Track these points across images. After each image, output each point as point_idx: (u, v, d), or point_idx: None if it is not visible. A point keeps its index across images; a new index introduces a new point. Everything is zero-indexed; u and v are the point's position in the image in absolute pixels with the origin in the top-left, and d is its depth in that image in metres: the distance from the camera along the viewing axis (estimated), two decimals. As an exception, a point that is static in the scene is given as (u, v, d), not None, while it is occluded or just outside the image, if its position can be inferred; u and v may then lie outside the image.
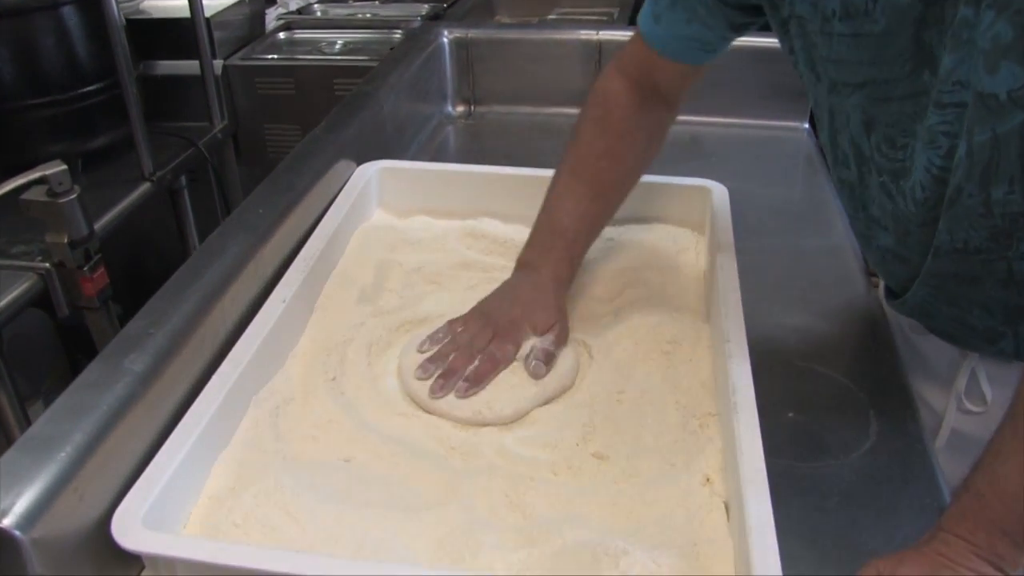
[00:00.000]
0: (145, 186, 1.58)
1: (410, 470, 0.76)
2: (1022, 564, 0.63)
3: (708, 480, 0.73)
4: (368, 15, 2.02)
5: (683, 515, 0.69)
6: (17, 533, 0.56)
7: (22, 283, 1.31)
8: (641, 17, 0.94)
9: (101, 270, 1.36)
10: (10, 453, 0.61)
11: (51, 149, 1.55)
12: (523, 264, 0.97)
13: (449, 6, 2.07)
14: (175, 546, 0.63)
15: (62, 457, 0.62)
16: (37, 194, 1.27)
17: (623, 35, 1.59)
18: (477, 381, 0.85)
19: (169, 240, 1.84)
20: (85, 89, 1.59)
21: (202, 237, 1.84)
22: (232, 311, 0.84)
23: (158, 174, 1.59)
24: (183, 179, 1.75)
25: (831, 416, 0.86)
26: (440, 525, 0.69)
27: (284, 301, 0.87)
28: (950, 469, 0.82)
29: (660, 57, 0.92)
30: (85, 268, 1.33)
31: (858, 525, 0.74)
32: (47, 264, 1.32)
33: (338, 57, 1.85)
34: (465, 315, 0.93)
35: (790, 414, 0.86)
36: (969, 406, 0.91)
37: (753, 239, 1.00)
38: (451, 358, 0.87)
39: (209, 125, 1.78)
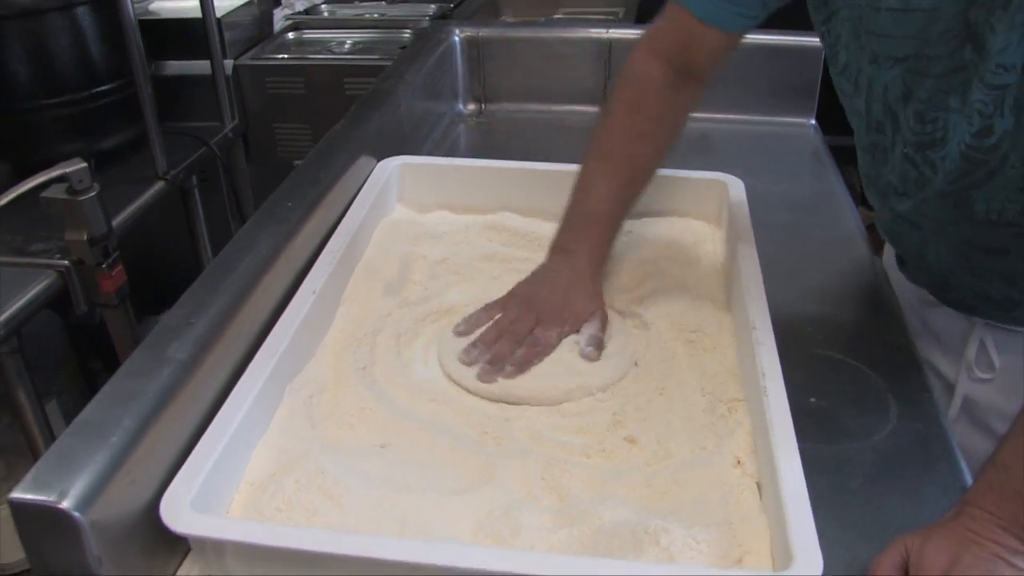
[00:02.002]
0: (159, 185, 1.59)
1: (446, 454, 0.77)
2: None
3: (739, 462, 0.74)
4: (376, 15, 2.04)
5: (717, 495, 0.71)
6: (77, 514, 0.58)
7: (42, 280, 1.32)
8: None
9: (119, 267, 1.37)
10: (64, 438, 0.63)
11: (65, 148, 1.56)
12: (558, 248, 0.99)
13: (456, 6, 2.08)
14: (226, 529, 0.64)
15: (114, 442, 0.63)
16: (57, 192, 1.28)
17: (632, 33, 1.62)
18: (523, 367, 0.86)
19: (179, 239, 1.86)
20: (98, 89, 1.61)
21: (212, 236, 1.86)
22: (266, 302, 0.86)
23: (172, 173, 1.60)
24: (194, 178, 1.76)
25: (852, 401, 0.88)
26: (479, 507, 0.71)
27: (314, 292, 0.89)
28: (964, 435, 0.85)
29: (700, 24, 0.93)
30: (104, 265, 1.34)
31: (884, 504, 0.75)
32: (66, 261, 1.34)
33: (348, 56, 1.86)
34: (503, 299, 0.94)
35: (812, 399, 0.88)
36: (979, 374, 0.95)
37: (765, 232, 1.02)
38: (498, 344, 0.89)
39: (220, 124, 1.79)
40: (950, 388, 0.98)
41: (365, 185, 1.12)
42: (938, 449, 0.81)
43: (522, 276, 1.00)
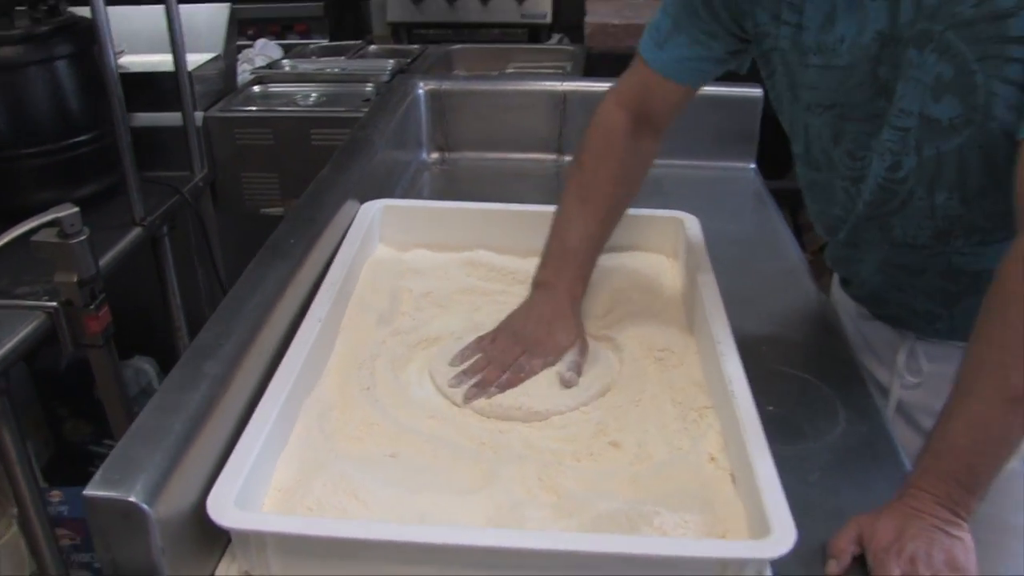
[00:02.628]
0: (136, 231, 1.65)
1: (450, 461, 0.86)
2: (973, 507, 0.76)
3: (712, 458, 0.85)
4: (336, 70, 2.14)
5: (696, 486, 0.81)
6: (145, 507, 0.65)
7: (31, 322, 1.37)
8: (643, 48, 1.08)
9: (105, 308, 1.42)
10: (125, 440, 0.70)
11: (41, 196, 1.60)
12: (540, 284, 1.09)
13: (412, 61, 2.20)
14: (269, 523, 0.72)
15: (168, 446, 0.70)
16: (47, 236, 1.34)
17: (585, 86, 1.75)
18: (506, 389, 0.96)
19: (147, 284, 1.90)
20: (75, 139, 1.66)
21: (181, 281, 1.91)
22: (279, 326, 0.94)
23: (148, 219, 1.67)
24: (164, 226, 1.82)
25: (805, 408, 0.99)
26: (487, 504, 0.79)
27: (320, 321, 0.97)
28: (900, 432, 0.98)
29: (663, 80, 1.06)
30: (91, 307, 1.39)
31: (838, 493, 0.87)
32: (55, 303, 1.39)
33: (314, 109, 1.95)
34: (494, 331, 1.04)
35: (770, 408, 0.98)
36: (909, 379, 1.08)
37: (716, 264, 1.13)
38: (486, 370, 0.98)
39: (190, 174, 1.86)
40: (886, 392, 1.10)
41: (352, 226, 1.21)
42: (882, 446, 0.93)
43: (499, 307, 1.10)
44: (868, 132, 0.92)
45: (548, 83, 1.77)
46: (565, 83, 1.76)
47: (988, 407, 0.74)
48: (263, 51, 2.35)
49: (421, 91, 1.75)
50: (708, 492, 0.80)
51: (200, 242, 1.89)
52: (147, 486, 0.66)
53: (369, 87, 2.01)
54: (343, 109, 1.90)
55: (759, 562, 0.71)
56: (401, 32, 3.56)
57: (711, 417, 0.91)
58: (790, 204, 1.54)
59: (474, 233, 1.27)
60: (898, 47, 0.85)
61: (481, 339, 1.04)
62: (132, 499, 0.65)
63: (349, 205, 1.24)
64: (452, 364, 1.01)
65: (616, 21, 2.07)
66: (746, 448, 0.78)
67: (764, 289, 1.25)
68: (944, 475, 0.76)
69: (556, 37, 3.28)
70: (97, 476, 0.66)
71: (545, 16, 3.48)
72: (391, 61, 2.15)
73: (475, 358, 1.01)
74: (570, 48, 2.36)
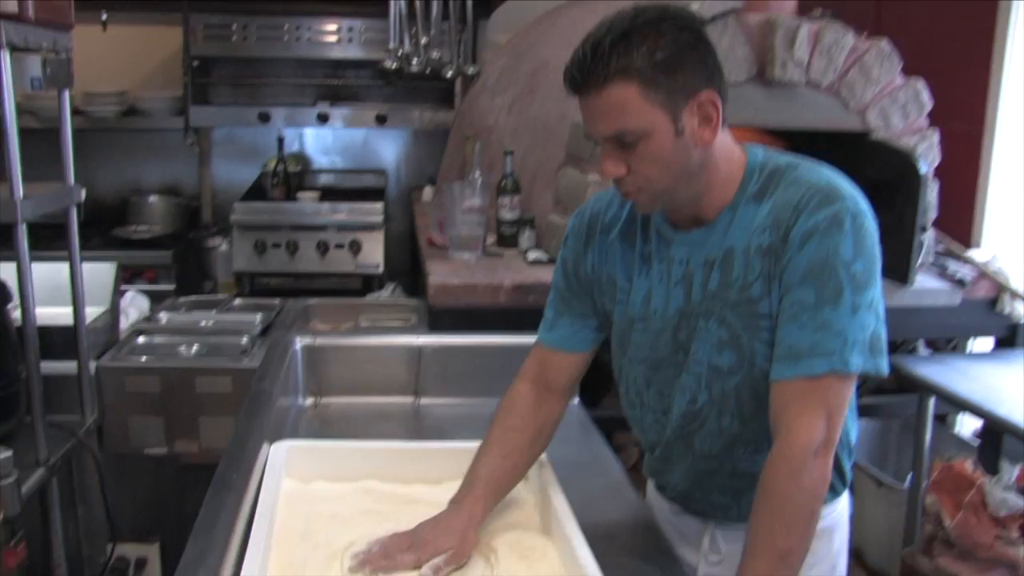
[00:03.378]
0: (40, 471, 1.82)
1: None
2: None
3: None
4: (210, 323, 2.42)
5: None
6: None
7: (-47, 559, 1.51)
8: (539, 334, 1.49)
9: (23, 543, 1.58)
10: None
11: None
12: (452, 501, 1.39)
13: (277, 314, 2.52)
14: None
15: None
16: (-25, 478, 1.52)
17: (437, 340, 2.13)
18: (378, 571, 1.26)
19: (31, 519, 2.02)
20: (-18, 390, 1.85)
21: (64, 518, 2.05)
22: (236, 543, 1.19)
23: (51, 460, 1.84)
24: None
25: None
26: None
27: (264, 538, 1.23)
28: None
29: (558, 352, 1.45)
30: (11, 543, 1.56)
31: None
32: (-22, 540, 1.54)
33: (199, 359, 2.22)
34: (405, 531, 1.33)
35: (611, 590, 1.31)
36: (712, 558, 1.46)
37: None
38: (373, 556, 1.28)
39: (80, 418, 2.05)
40: (695, 571, 1.46)
41: (268, 463, 1.48)
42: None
43: (396, 526, 1.39)
44: (672, 377, 1.35)
45: (406, 337, 2.13)
46: (420, 338, 2.13)
47: (766, 563, 1.12)
48: (134, 303, 2.59)
49: (298, 346, 2.06)
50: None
51: (89, 481, 2.05)
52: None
53: (244, 339, 2.30)
54: (226, 359, 2.18)
55: None
56: (245, 280, 3.89)
57: None
58: (607, 429, 1.98)
59: (366, 466, 1.57)
60: (692, 318, 1.30)
61: (393, 535, 1.33)
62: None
63: (264, 447, 1.52)
64: (359, 555, 1.30)
65: (455, 282, 2.49)
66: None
67: (597, 499, 1.60)
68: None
69: (390, 286, 3.70)
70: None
71: (378, 267, 3.92)
72: (259, 315, 2.46)
73: (374, 548, 1.30)
74: (413, 303, 2.76)
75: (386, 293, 3.57)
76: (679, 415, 1.36)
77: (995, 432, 2.48)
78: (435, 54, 3.60)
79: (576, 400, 2.12)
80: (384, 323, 2.59)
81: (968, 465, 2.33)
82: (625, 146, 1.23)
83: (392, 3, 3.50)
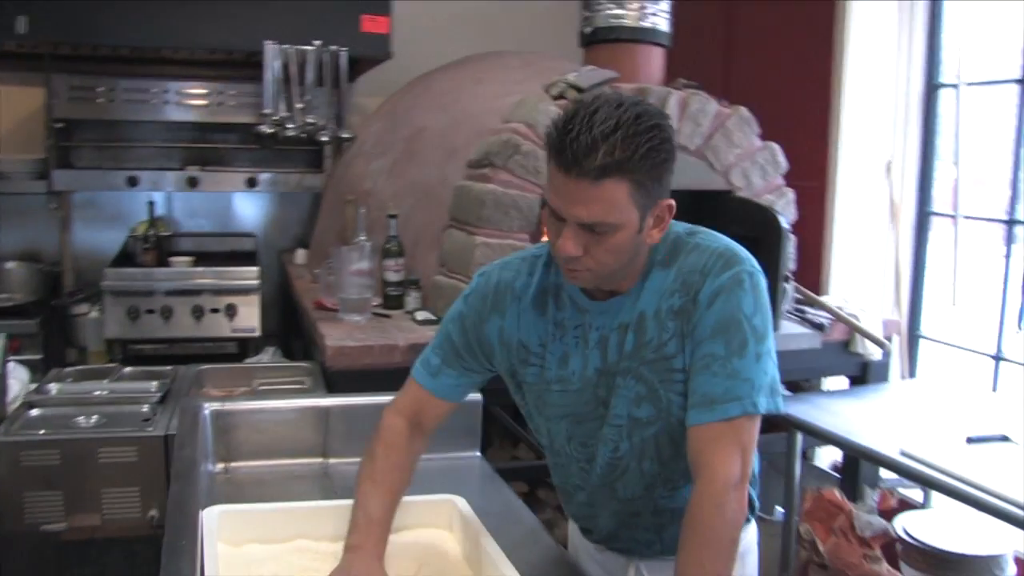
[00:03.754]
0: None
1: None
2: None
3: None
4: (106, 392, 2.40)
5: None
6: None
7: None
8: (418, 376, 1.59)
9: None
10: None
11: None
12: (350, 547, 1.45)
13: (172, 382, 2.51)
14: None
15: None
16: None
17: (343, 401, 2.20)
18: None
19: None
20: None
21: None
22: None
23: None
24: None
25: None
26: None
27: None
28: None
29: (436, 399, 1.56)
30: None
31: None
32: None
33: (101, 430, 2.19)
34: None
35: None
36: None
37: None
38: None
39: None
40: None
41: (204, 530, 1.52)
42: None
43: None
44: (594, 430, 1.49)
45: (312, 399, 2.19)
46: (327, 399, 2.20)
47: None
48: (14, 374, 2.53)
49: (207, 412, 2.09)
50: None
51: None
52: None
53: (145, 407, 2.29)
54: (129, 428, 2.17)
55: None
56: (116, 347, 3.80)
57: None
58: (514, 480, 2.09)
59: (296, 527, 1.62)
60: (610, 376, 1.44)
61: None
62: None
63: (199, 513, 1.56)
64: None
65: (351, 344, 2.56)
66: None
67: (519, 546, 1.71)
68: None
69: (269, 350, 3.71)
70: None
71: (254, 330, 3.92)
72: (154, 382, 2.46)
73: None
74: (306, 365, 2.80)
75: (266, 356, 3.58)
76: (603, 463, 1.50)
77: (854, 460, 2.75)
78: (311, 119, 3.69)
79: (477, 453, 2.23)
80: (278, 386, 2.62)
81: (836, 493, 2.58)
82: (590, 232, 1.32)
83: (267, 68, 3.57)
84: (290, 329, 4.03)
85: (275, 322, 4.28)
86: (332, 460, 2.17)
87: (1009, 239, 3.38)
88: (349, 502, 1.67)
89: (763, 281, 1.41)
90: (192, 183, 4.15)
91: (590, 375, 1.46)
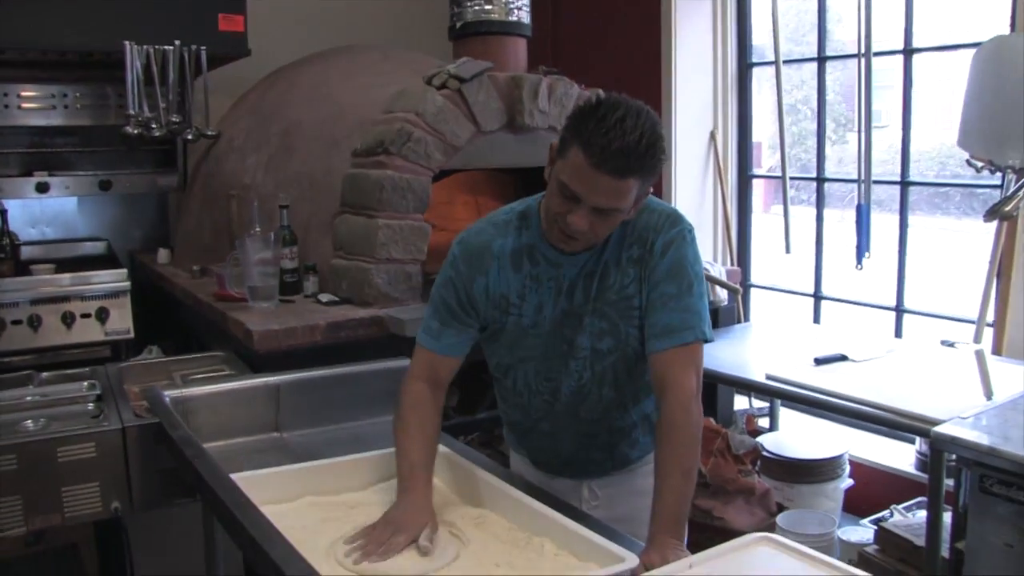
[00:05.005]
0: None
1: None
2: (682, 535, 1.55)
3: (556, 555, 1.52)
4: (38, 397, 2.42)
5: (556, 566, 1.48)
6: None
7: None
8: (423, 341, 1.81)
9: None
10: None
11: None
12: (403, 491, 1.67)
13: (99, 381, 2.56)
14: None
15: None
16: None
17: (291, 377, 2.35)
18: (384, 556, 1.53)
19: None
20: None
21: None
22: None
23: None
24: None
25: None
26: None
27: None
28: None
29: (444, 357, 1.79)
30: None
31: None
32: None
33: (57, 431, 2.22)
34: (378, 522, 1.61)
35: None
36: (592, 503, 1.90)
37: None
38: (368, 546, 1.55)
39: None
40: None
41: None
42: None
43: (357, 527, 1.64)
44: (559, 365, 1.77)
45: (263, 379, 2.34)
46: (276, 377, 2.35)
47: (676, 479, 1.56)
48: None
49: (168, 399, 2.20)
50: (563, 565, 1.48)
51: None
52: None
53: (91, 406, 2.35)
54: (85, 425, 2.22)
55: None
56: (-18, 362, 3.67)
57: (536, 544, 1.57)
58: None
59: (300, 486, 1.80)
60: (576, 316, 1.73)
61: (369, 526, 1.61)
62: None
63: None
64: (347, 543, 1.57)
65: (276, 327, 2.70)
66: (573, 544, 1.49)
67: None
68: (669, 523, 1.54)
69: (152, 348, 3.71)
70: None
71: (128, 332, 3.90)
72: (83, 383, 2.51)
73: (364, 537, 1.58)
74: (219, 354, 2.90)
75: (151, 356, 3.59)
76: (569, 392, 1.78)
77: (713, 387, 3.19)
78: (175, 118, 3.72)
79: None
80: (200, 376, 2.72)
81: (712, 421, 3.00)
82: (599, 213, 1.59)
83: (129, 69, 3.56)
84: (162, 329, 4.02)
85: (143, 323, 4.24)
86: (286, 433, 2.34)
87: (819, 194, 3.96)
88: (349, 458, 1.87)
89: (695, 236, 1.74)
90: (42, 189, 4.04)
91: (558, 317, 1.75)
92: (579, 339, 1.75)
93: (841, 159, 4.24)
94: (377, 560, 1.52)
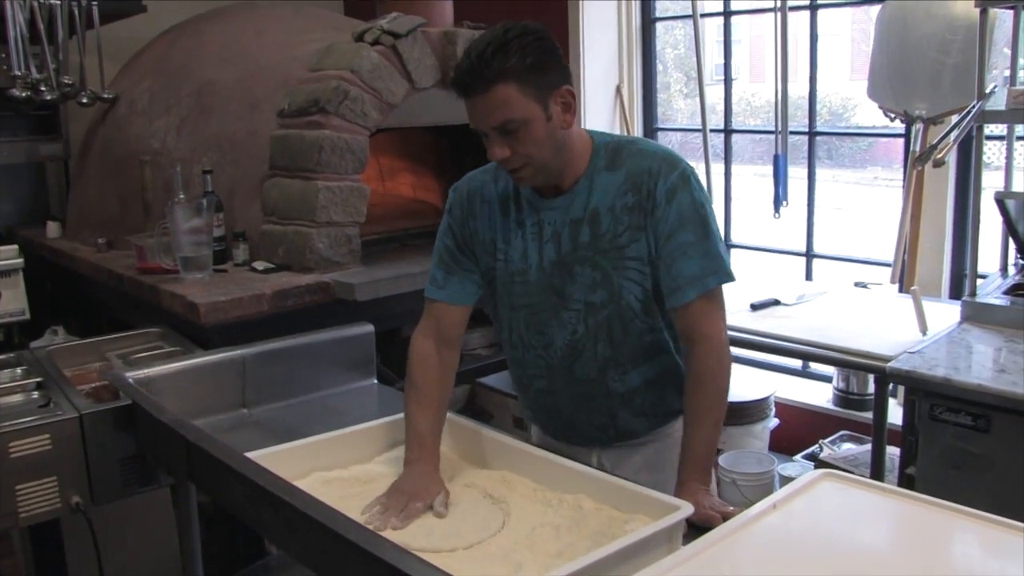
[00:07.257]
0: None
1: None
2: (709, 481, 1.60)
3: (598, 510, 1.53)
4: None
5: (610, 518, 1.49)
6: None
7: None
8: (429, 293, 1.78)
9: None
10: None
11: None
12: (409, 461, 1.66)
13: (27, 367, 2.37)
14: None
15: None
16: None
17: (260, 348, 2.26)
18: (403, 523, 1.53)
19: None
20: None
21: None
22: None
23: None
24: None
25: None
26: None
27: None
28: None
29: (450, 307, 1.76)
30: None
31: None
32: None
33: (8, 423, 2.04)
34: (389, 490, 1.60)
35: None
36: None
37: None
38: (385, 512, 1.54)
39: None
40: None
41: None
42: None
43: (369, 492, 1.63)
44: (549, 318, 1.74)
45: (227, 353, 2.23)
46: (240, 350, 2.25)
47: (707, 428, 1.60)
48: None
49: (131, 379, 2.06)
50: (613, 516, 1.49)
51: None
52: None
53: (35, 394, 2.18)
54: (36, 417, 2.04)
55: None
56: None
57: (572, 500, 1.57)
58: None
59: (307, 462, 1.73)
60: (565, 266, 1.70)
61: (382, 495, 1.59)
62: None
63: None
64: (363, 513, 1.55)
65: (223, 298, 2.57)
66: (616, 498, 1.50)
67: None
68: (699, 470, 1.59)
69: (57, 330, 3.47)
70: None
71: (23, 313, 3.62)
72: (16, 370, 2.32)
73: (380, 504, 1.57)
74: (154, 330, 2.73)
75: (58, 337, 3.36)
76: (562, 347, 1.74)
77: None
78: (67, 79, 3.45)
79: (375, 381, 2.40)
80: (140, 355, 2.57)
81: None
82: (508, 134, 1.57)
83: (12, 25, 3.27)
84: (59, 309, 3.76)
85: (36, 304, 3.95)
86: (254, 409, 2.24)
87: (727, 146, 4.08)
88: (352, 429, 1.82)
89: (696, 173, 1.71)
90: (-91, 161, 3.68)
91: (545, 266, 1.71)
92: (569, 289, 1.70)
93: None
94: (398, 525, 1.51)
